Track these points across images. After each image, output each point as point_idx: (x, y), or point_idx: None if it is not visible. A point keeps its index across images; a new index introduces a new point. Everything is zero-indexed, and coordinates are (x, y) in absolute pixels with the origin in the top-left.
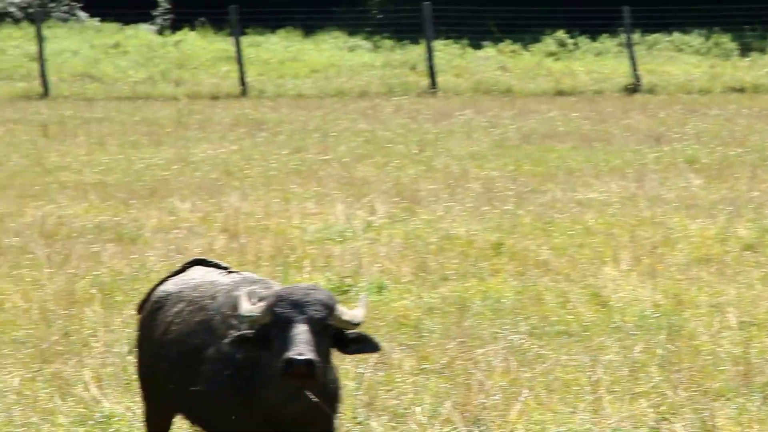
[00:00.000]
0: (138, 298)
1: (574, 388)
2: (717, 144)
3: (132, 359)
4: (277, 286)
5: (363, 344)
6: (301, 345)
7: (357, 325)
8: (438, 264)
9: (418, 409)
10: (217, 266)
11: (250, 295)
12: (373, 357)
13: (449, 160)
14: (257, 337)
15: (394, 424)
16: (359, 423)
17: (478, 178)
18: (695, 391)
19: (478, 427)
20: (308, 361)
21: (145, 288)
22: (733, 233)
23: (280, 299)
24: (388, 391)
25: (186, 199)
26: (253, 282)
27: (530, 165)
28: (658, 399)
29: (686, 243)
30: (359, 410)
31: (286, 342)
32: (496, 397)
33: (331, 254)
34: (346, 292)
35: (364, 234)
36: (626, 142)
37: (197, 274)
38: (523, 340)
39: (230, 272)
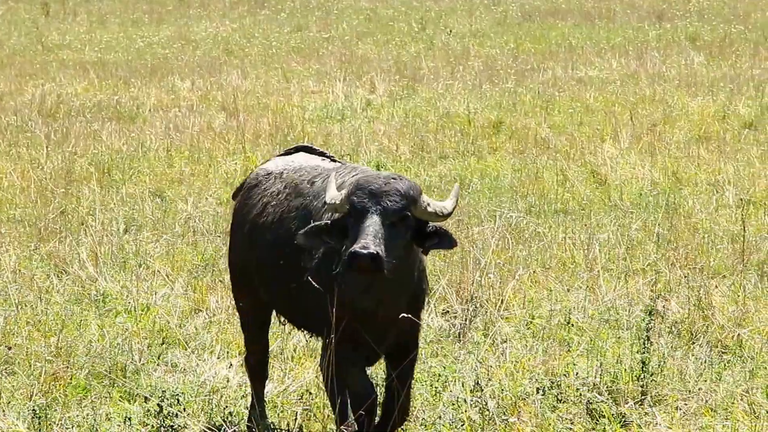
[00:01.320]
0: (136, 177)
1: (570, 266)
2: (719, 21)
3: (129, 238)
4: (367, 169)
5: (441, 240)
6: (369, 238)
7: (445, 217)
8: (437, 142)
9: None
10: (323, 154)
11: (339, 182)
12: None
13: (450, 38)
14: (334, 228)
15: None
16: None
17: (478, 56)
18: (691, 268)
19: (473, 304)
20: (373, 255)
21: (142, 167)
22: (733, 111)
23: (358, 188)
24: None
25: (186, 78)
26: (350, 168)
27: (531, 43)
28: (654, 277)
29: (686, 121)
30: None
31: (356, 233)
32: (491, 275)
33: (330, 132)
34: None
35: (363, 112)
36: (628, 19)
37: (300, 158)
38: (520, 218)
39: (334, 160)
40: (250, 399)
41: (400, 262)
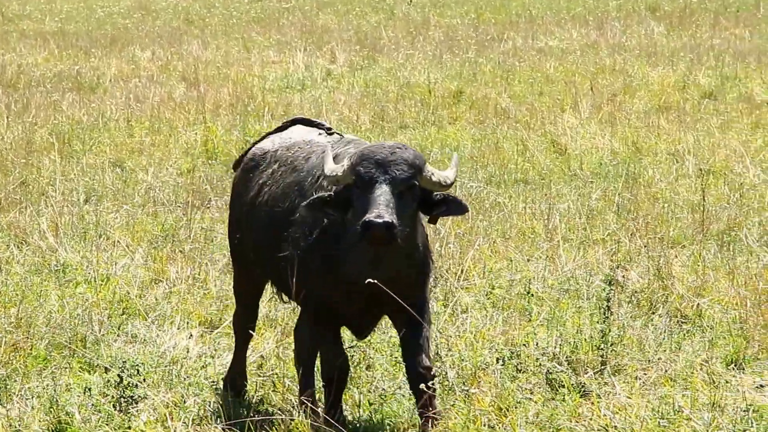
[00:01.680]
0: (96, 147)
1: (530, 235)
2: None
3: (89, 208)
4: (362, 142)
5: (449, 206)
6: (381, 207)
7: (448, 186)
8: (397, 112)
9: None
10: (320, 126)
11: (336, 155)
12: None
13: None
14: (337, 200)
15: None
16: None
17: (439, 26)
18: (651, 238)
19: (433, 275)
20: (388, 224)
21: (102, 137)
22: (693, 81)
23: (363, 158)
24: None
25: (146, 48)
26: (344, 142)
27: (492, 13)
28: (614, 246)
29: (646, 91)
30: None
31: (366, 204)
32: (451, 245)
33: (291, 102)
34: None
35: (323, 82)
36: None
37: (296, 133)
38: (480, 188)
39: (331, 132)
40: (231, 358)
41: (409, 231)
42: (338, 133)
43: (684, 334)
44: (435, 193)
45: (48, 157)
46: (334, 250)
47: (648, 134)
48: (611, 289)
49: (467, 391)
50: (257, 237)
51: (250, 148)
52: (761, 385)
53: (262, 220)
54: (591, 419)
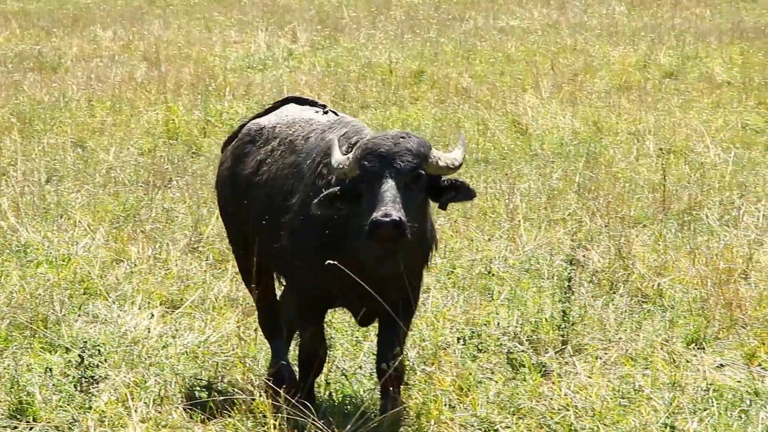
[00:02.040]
0: (57, 127)
1: (491, 215)
2: None
3: (50, 188)
4: (367, 130)
5: (458, 191)
6: (389, 204)
7: (456, 169)
8: (358, 92)
9: None
10: (313, 104)
11: (342, 144)
12: None
13: None
14: (346, 194)
15: None
16: None
17: (400, 5)
18: (612, 218)
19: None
20: (396, 222)
21: (63, 117)
22: (654, 61)
23: (367, 151)
24: None
25: (108, 28)
26: (343, 123)
27: None
28: (575, 226)
29: (607, 70)
30: None
31: (373, 200)
32: None
33: (252, 82)
34: None
35: (285, 62)
36: None
37: (292, 111)
38: None
39: (326, 111)
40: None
41: (418, 222)
42: (334, 112)
43: (645, 314)
44: (443, 179)
45: (9, 137)
46: (334, 240)
47: (609, 114)
48: (572, 269)
49: (428, 370)
50: (255, 216)
51: (239, 129)
52: (722, 365)
53: (261, 200)
54: (552, 399)
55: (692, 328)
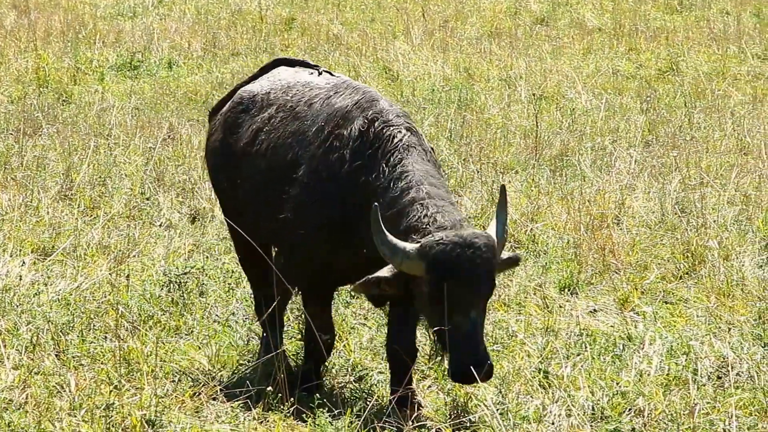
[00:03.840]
0: None
1: None
2: None
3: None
4: (372, 92)
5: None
6: (480, 347)
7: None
8: (229, 39)
9: (206, 184)
10: (305, 65)
11: (364, 130)
12: (161, 133)
13: None
14: (398, 280)
15: (182, 199)
16: (147, 198)
17: None
18: (484, 164)
19: None
20: (489, 371)
21: None
22: (525, 7)
23: (451, 266)
24: (177, 166)
25: None
26: (351, 88)
27: None
28: (447, 172)
29: (478, 17)
30: (148, 186)
31: (456, 332)
32: None
33: (122, 30)
34: (136, 68)
35: (155, 9)
36: None
37: (285, 74)
38: None
39: (321, 72)
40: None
41: None
42: (328, 72)
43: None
44: None
45: None
46: (341, 218)
47: (480, 60)
48: None
49: (302, 317)
50: (253, 186)
51: (229, 95)
52: (594, 310)
53: (261, 171)
54: (425, 344)
55: (565, 274)
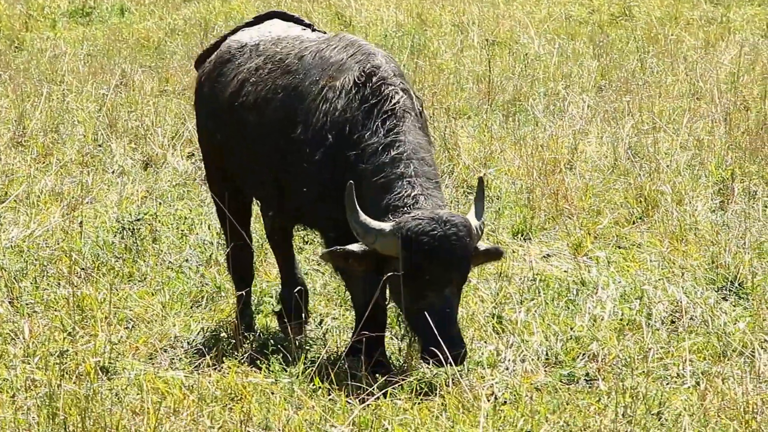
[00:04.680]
0: None
1: None
2: None
3: None
4: (369, 46)
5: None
6: (454, 333)
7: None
8: None
9: (159, 130)
10: (298, 21)
11: (360, 78)
12: (114, 79)
13: None
14: (368, 257)
15: (135, 146)
16: (100, 145)
17: None
18: (437, 109)
19: None
20: (462, 355)
21: None
22: None
23: (428, 249)
24: (130, 112)
25: None
26: (345, 41)
27: None
28: None
29: None
30: (101, 132)
31: (430, 314)
32: None
33: None
34: (88, 14)
35: None
36: None
37: (276, 28)
38: None
39: (313, 30)
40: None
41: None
42: (321, 31)
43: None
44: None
45: None
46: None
47: (432, 6)
48: None
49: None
50: (240, 139)
51: (216, 44)
52: (547, 255)
53: (249, 125)
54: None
55: (518, 219)
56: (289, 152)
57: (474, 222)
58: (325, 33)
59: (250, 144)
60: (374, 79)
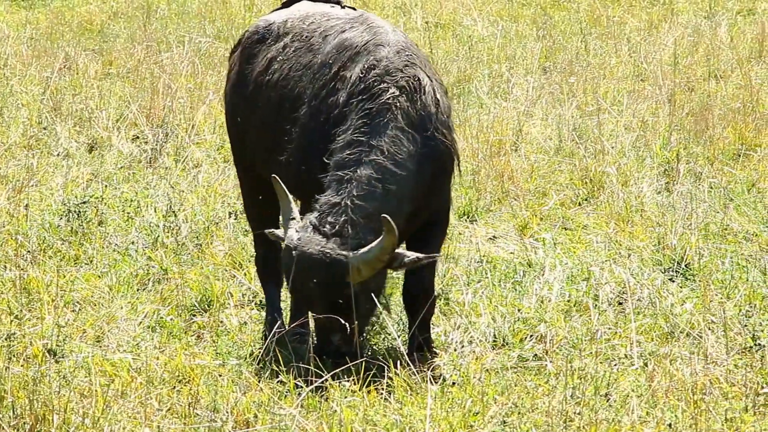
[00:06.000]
0: None
1: None
2: None
3: None
4: (383, 35)
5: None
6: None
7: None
8: None
9: (103, 113)
10: (327, 0)
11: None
12: (57, 62)
13: None
14: None
15: (80, 129)
16: (45, 128)
17: None
18: None
19: (164, 130)
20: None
21: None
22: None
23: (294, 263)
24: (74, 95)
25: None
26: (365, 24)
27: None
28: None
29: None
30: (45, 115)
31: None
32: (182, 101)
33: None
34: None
35: None
36: None
37: (305, 6)
38: (209, 43)
39: (343, 6)
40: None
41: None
42: (350, 8)
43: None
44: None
45: None
46: None
47: None
48: None
49: (200, 245)
50: (262, 119)
51: (244, 35)
52: (494, 236)
53: (272, 104)
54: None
55: (464, 201)
56: (291, 134)
57: (363, 254)
58: (354, 9)
59: (271, 123)
60: (371, 74)
